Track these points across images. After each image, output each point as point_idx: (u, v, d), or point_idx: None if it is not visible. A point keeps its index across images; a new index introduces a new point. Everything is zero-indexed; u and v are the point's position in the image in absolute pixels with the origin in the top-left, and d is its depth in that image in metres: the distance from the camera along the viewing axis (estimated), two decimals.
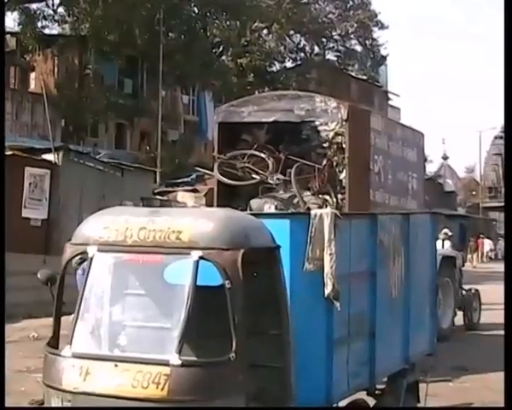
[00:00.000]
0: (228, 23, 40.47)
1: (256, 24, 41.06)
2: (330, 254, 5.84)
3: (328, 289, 5.88)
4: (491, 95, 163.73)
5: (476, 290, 19.97)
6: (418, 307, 8.00)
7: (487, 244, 45.02)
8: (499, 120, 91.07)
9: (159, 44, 34.15)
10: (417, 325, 7.97)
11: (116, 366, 4.68)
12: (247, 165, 7.81)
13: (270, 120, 7.60)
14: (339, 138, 7.76)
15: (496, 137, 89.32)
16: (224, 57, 41.17)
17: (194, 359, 4.88)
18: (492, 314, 18.44)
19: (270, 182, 7.73)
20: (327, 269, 5.85)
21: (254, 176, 7.77)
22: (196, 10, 39.71)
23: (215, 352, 4.81)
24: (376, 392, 7.46)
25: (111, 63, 37.72)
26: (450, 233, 20.10)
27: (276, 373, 5.36)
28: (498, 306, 20.55)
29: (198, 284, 4.72)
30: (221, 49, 40.90)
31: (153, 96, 37.51)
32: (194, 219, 5.07)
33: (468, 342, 15.31)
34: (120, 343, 5.08)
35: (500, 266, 22.62)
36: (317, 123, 7.92)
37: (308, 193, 7.76)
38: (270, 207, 7.19)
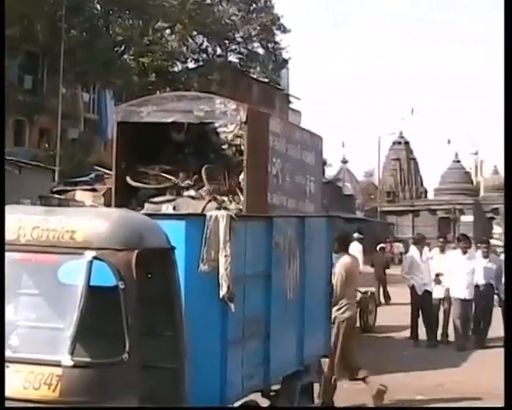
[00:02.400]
0: (131, 22, 40.10)
1: (159, 23, 40.83)
2: (225, 256, 5.88)
3: (222, 291, 5.91)
4: (392, 100, 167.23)
5: (372, 293, 20.42)
6: (313, 309, 8.09)
7: (396, 247, 45.51)
8: (398, 126, 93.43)
9: (60, 41, 33.54)
10: (312, 326, 8.05)
11: (8, 367, 4.61)
12: (159, 173, 7.74)
13: (170, 120, 7.55)
14: (238, 140, 7.79)
15: (394, 143, 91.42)
16: (126, 56, 40.66)
17: (87, 360, 4.82)
18: (389, 316, 18.91)
19: (182, 185, 7.67)
20: (222, 270, 5.89)
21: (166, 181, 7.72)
22: (99, 8, 39.19)
23: (108, 353, 4.78)
24: (271, 393, 7.54)
25: (11, 58, 36.84)
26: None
27: (170, 374, 5.37)
28: (395, 307, 21.15)
29: (92, 284, 4.70)
30: (123, 47, 40.40)
31: (53, 93, 36.79)
32: (88, 219, 5.03)
33: (364, 344, 15.57)
34: (12, 344, 4.96)
35: (396, 270, 23.09)
36: (216, 125, 7.94)
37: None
38: (167, 208, 7.16)
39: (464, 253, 15.89)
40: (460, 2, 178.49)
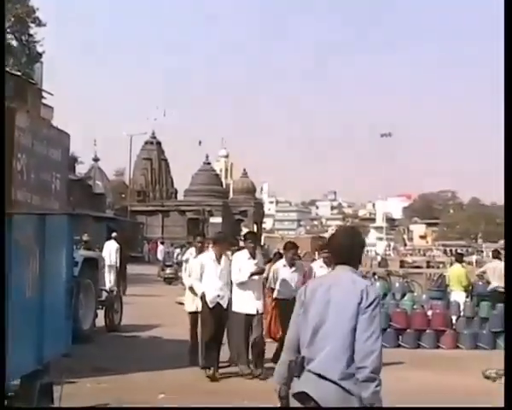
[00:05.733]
0: None
1: None
2: None
3: None
4: (144, 100, 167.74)
5: (118, 292, 20.46)
6: (53, 307, 7.94)
7: (160, 250, 45.71)
8: (150, 126, 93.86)
9: None
10: (52, 325, 7.89)
11: None
12: None
13: None
14: None
15: (146, 143, 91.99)
16: None
17: None
18: (134, 316, 18.96)
19: None
20: None
21: None
22: None
23: None
24: (10, 394, 7.31)
25: None
26: (86, 238, 20.40)
27: None
28: (139, 307, 21.27)
29: None
30: None
31: None
32: None
33: (109, 344, 15.53)
34: None
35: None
36: None
37: None
38: None
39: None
40: None
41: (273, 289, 13.20)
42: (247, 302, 12.20)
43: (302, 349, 4.82)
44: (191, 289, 12.70)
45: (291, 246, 13.36)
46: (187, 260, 14.01)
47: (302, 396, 4.69)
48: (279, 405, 4.93)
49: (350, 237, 5.18)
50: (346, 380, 4.60)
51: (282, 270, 13.10)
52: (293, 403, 4.78)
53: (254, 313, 12.20)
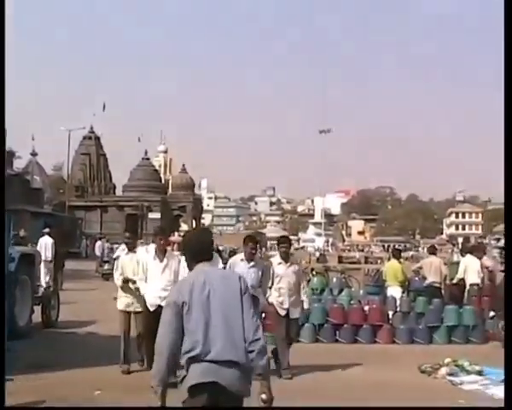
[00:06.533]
0: None
1: None
2: None
3: None
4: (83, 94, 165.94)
5: (55, 288, 20.27)
6: None
7: (98, 245, 45.02)
8: (88, 121, 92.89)
9: None
10: None
11: None
12: None
13: None
14: None
15: (84, 138, 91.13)
16: None
17: None
18: (71, 311, 18.79)
19: None
20: None
21: None
22: None
23: None
24: None
25: None
26: (22, 234, 20.22)
27: None
28: (76, 302, 21.10)
29: None
30: None
31: None
32: None
33: (46, 340, 15.36)
34: None
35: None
36: None
37: None
38: None
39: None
40: None
41: None
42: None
43: (195, 346, 5.09)
44: (123, 287, 12.17)
45: (249, 240, 12.51)
46: (118, 258, 13.41)
47: (203, 387, 5.00)
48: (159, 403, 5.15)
49: (205, 236, 5.76)
50: (244, 359, 5.10)
51: (238, 264, 12.22)
52: (194, 395, 5.04)
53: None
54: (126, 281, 12.14)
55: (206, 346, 5.07)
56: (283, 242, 12.95)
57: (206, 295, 5.19)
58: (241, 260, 12.28)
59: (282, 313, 12.38)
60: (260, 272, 12.28)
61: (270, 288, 12.45)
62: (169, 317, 5.20)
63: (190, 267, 5.59)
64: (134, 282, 11.95)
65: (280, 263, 12.58)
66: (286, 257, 12.66)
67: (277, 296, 12.40)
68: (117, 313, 12.36)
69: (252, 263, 12.12)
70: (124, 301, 12.26)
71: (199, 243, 5.57)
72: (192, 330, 5.12)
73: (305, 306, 12.69)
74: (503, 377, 11.79)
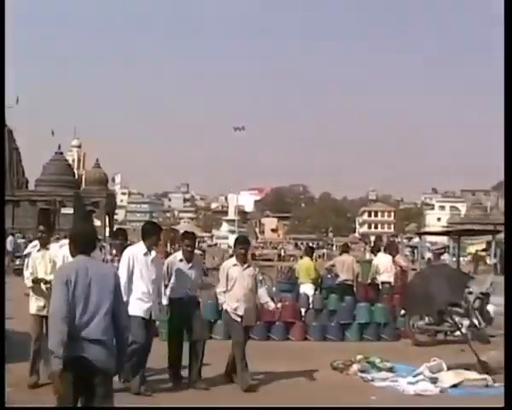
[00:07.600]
0: None
1: None
2: None
3: None
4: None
5: None
6: None
7: (9, 241, 43.85)
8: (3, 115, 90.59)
9: None
10: None
11: None
12: None
13: None
14: None
15: None
16: None
17: None
18: None
19: None
20: None
21: None
22: None
23: None
24: None
25: None
26: None
27: None
28: None
29: None
30: None
31: None
32: None
33: None
34: None
35: None
36: None
37: None
38: None
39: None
40: None
41: (166, 286, 11.19)
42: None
43: (76, 320, 5.96)
44: (33, 288, 10.94)
45: (186, 237, 11.66)
46: (28, 255, 11.69)
47: (79, 359, 5.90)
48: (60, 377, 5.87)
49: (90, 231, 6.67)
50: (110, 341, 6.13)
51: (177, 265, 11.28)
52: (66, 366, 5.85)
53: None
54: (37, 281, 10.95)
55: (83, 323, 5.96)
56: (243, 242, 11.75)
57: (88, 281, 6.06)
58: (180, 260, 11.34)
59: (238, 319, 11.28)
60: (201, 272, 11.82)
61: (225, 292, 11.42)
62: (62, 290, 5.98)
63: (73, 256, 6.41)
64: (46, 282, 10.68)
65: (235, 265, 11.50)
66: (243, 258, 11.54)
67: (232, 301, 11.33)
68: (28, 309, 11.53)
69: (191, 264, 11.29)
70: (35, 304, 10.99)
71: (84, 236, 6.44)
72: (73, 308, 5.96)
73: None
74: (412, 373, 12.05)
